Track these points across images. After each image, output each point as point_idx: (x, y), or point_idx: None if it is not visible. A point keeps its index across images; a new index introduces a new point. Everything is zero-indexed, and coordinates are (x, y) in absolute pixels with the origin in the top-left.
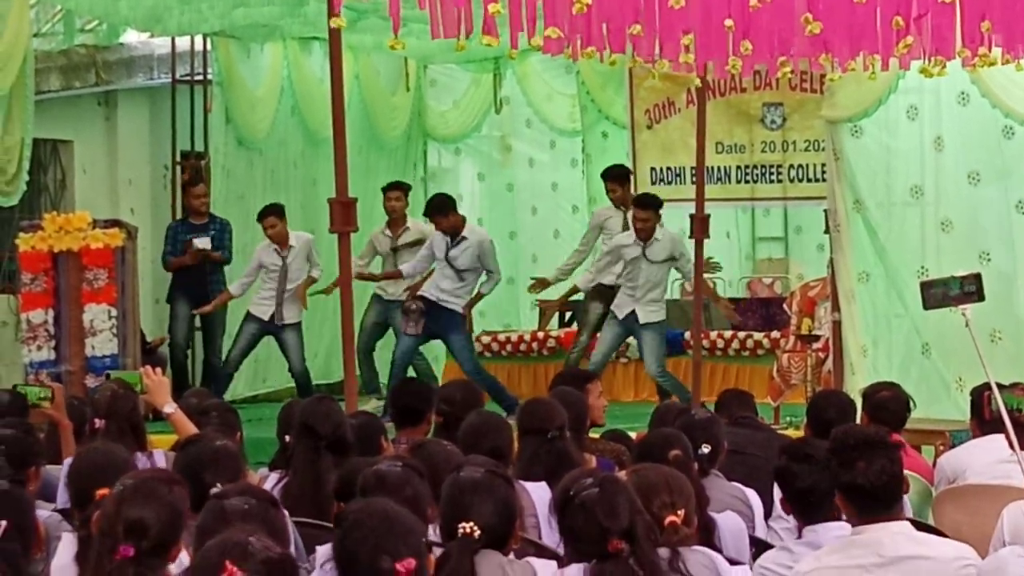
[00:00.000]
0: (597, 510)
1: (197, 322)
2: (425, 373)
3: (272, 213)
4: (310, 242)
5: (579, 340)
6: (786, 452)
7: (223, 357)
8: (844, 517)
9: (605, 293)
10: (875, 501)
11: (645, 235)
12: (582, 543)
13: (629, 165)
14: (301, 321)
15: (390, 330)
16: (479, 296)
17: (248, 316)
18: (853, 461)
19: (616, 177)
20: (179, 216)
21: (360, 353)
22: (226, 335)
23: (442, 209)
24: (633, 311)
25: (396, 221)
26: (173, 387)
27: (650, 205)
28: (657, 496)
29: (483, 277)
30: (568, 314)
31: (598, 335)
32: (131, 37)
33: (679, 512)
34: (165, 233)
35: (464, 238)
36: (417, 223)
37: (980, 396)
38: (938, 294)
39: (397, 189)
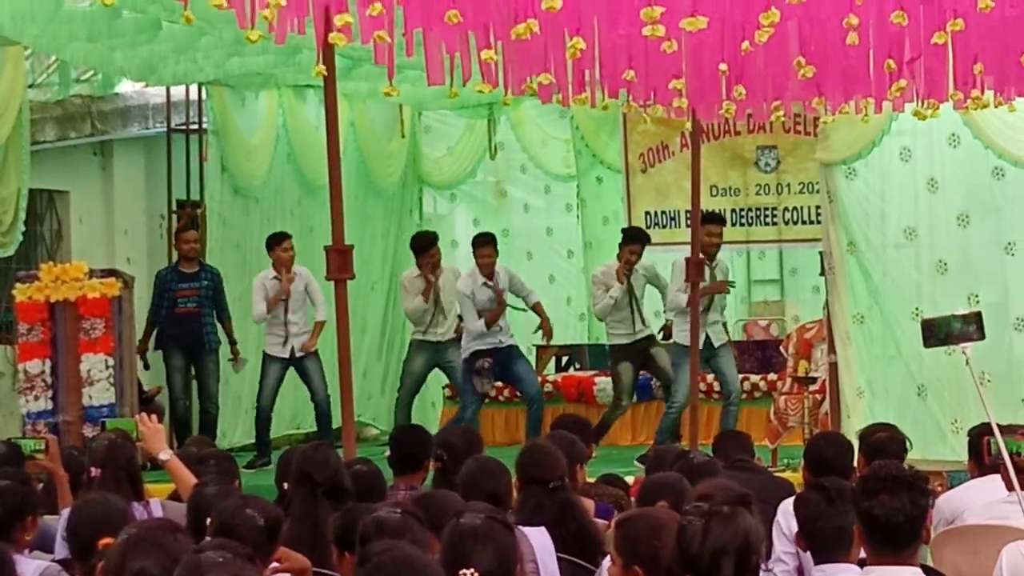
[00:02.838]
0: (695, 534)
1: (192, 371)
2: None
3: (289, 237)
4: (310, 277)
5: (621, 404)
6: (808, 485)
7: (215, 402)
8: (859, 559)
9: (629, 351)
10: (887, 537)
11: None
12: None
13: (623, 209)
14: (316, 349)
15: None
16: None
17: (267, 358)
18: (878, 492)
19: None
20: (171, 263)
21: (401, 403)
22: (221, 381)
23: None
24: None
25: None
26: (177, 438)
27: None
28: (670, 536)
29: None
30: (565, 358)
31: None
32: (126, 87)
33: None
34: (154, 282)
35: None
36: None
37: (978, 438)
38: (939, 332)
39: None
